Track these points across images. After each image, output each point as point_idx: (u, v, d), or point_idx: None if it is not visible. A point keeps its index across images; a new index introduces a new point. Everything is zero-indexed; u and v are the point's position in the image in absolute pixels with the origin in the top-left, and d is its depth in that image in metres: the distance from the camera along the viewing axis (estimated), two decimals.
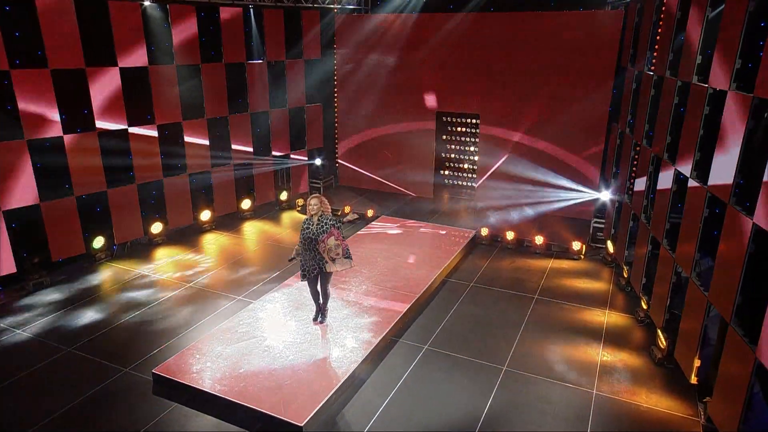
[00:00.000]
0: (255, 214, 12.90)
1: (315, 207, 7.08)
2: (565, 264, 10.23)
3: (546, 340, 7.59)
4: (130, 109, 10.13)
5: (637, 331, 7.88)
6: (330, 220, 7.02)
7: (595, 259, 10.46)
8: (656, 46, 8.27)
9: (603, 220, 10.96)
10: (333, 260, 7.06)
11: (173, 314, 8.31)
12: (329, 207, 7.20)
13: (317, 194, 7.30)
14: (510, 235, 10.94)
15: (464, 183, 13.79)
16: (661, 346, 7.01)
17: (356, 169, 14.69)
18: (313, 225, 7.05)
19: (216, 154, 11.90)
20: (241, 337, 7.29)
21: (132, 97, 10.13)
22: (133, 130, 10.27)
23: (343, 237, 7.18)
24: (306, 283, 7.48)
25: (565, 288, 9.23)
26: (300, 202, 13.33)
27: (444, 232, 11.34)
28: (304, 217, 7.43)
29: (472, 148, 13.38)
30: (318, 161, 14.41)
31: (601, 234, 10.91)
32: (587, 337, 7.70)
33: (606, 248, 10.39)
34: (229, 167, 12.25)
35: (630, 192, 9.34)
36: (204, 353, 6.91)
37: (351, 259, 7.20)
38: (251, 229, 12.16)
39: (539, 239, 10.69)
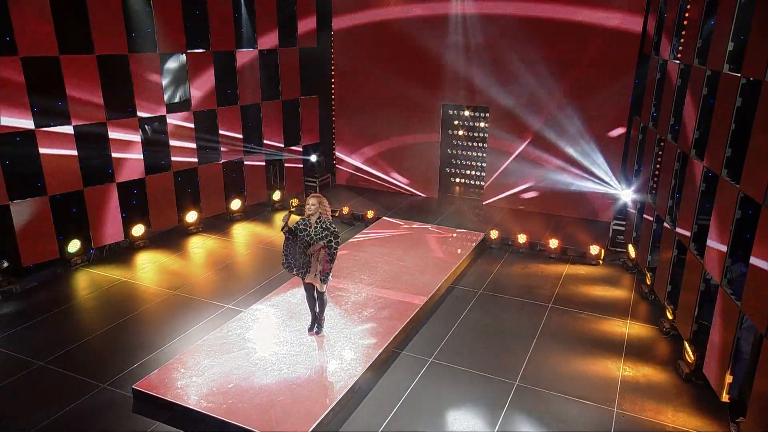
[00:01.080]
0: (245, 215, 12.84)
1: (313, 207, 7.01)
2: (582, 270, 10.17)
3: (562, 353, 7.53)
4: (108, 101, 10.04)
5: (662, 344, 7.82)
6: (326, 232, 6.92)
7: (614, 264, 10.40)
8: (683, 32, 8.20)
9: (623, 222, 10.90)
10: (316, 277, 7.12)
11: (156, 324, 8.26)
12: (329, 209, 7.12)
13: (317, 194, 7.21)
14: (522, 238, 10.88)
15: (472, 181, 13.74)
16: (689, 361, 6.94)
17: (355, 166, 14.63)
18: (310, 228, 6.98)
19: (203, 150, 11.82)
20: (229, 349, 7.23)
21: (111, 88, 10.05)
22: (112, 123, 10.19)
23: (331, 257, 6.98)
24: (301, 287, 7.42)
25: (583, 296, 9.17)
26: (294, 202, 13.28)
27: (450, 234, 11.29)
28: (299, 219, 7.35)
29: (481, 144, 13.33)
30: (314, 158, 14.35)
31: (622, 237, 10.85)
32: (607, 349, 7.63)
33: (627, 253, 10.34)
34: (217, 164, 12.19)
35: (653, 191, 9.28)
36: (189, 367, 6.85)
37: (325, 284, 7.16)
38: (241, 231, 12.11)
39: (554, 243, 10.63)
